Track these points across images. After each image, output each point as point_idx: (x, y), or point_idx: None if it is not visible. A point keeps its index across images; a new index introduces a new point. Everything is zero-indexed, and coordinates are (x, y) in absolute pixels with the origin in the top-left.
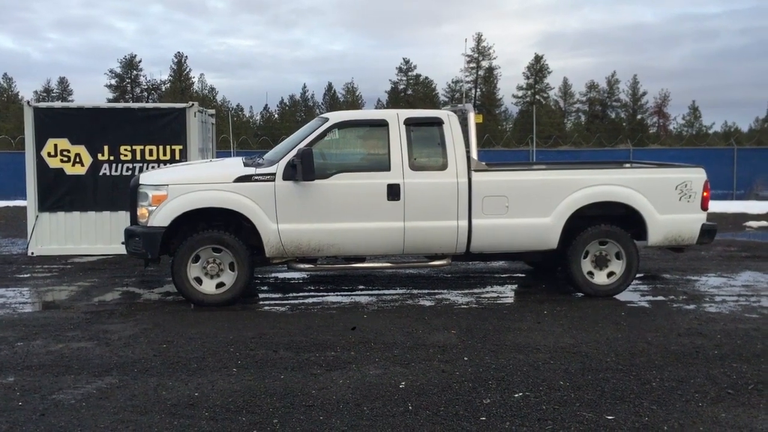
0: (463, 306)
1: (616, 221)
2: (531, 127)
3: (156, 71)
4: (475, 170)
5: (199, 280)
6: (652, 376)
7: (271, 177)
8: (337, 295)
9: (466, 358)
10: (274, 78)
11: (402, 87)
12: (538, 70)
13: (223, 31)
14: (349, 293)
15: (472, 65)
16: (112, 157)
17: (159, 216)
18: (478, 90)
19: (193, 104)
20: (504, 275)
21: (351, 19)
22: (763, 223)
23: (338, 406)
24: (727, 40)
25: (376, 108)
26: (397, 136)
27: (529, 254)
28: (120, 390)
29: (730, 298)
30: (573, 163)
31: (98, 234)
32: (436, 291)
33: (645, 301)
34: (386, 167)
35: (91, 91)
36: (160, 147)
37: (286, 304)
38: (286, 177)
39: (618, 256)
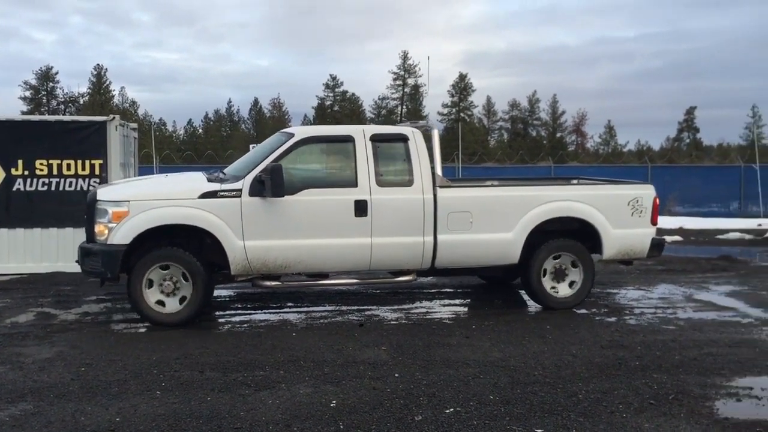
0: (392, 322)
1: (571, 235)
2: (456, 143)
3: (74, 83)
4: (440, 186)
5: (161, 303)
6: (578, 389)
7: (237, 193)
8: (265, 313)
9: (397, 375)
10: (200, 92)
11: (329, 103)
12: (462, 88)
13: (147, 44)
14: (277, 311)
15: (398, 82)
16: (26, 172)
17: (120, 233)
18: (404, 107)
19: (114, 117)
20: (432, 290)
21: (278, 35)
22: (676, 237)
23: (267, 428)
24: (641, 63)
25: (303, 124)
26: (364, 152)
27: (490, 269)
28: (35, 417)
29: (648, 311)
30: (527, 179)
31: (11, 252)
32: (365, 307)
33: (569, 315)
34: (353, 183)
35: (4, 104)
36: (79, 161)
37: (212, 322)
38: (252, 193)
39: (576, 270)
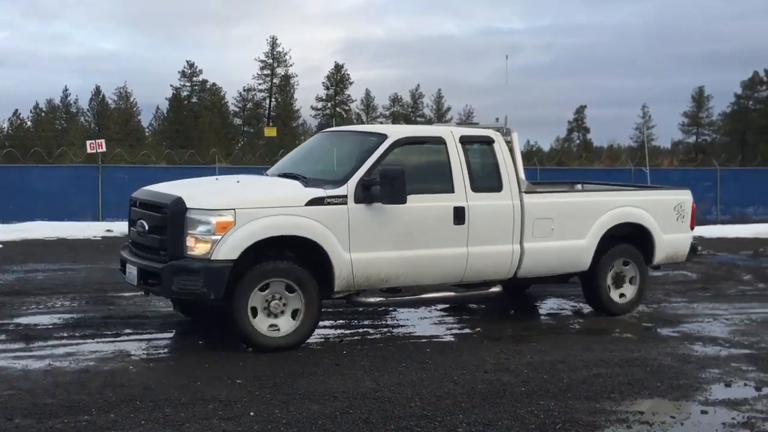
0: (251, 349)
1: (623, 241)
2: None
3: None
4: (526, 192)
5: (274, 327)
6: (459, 421)
7: (343, 199)
8: (97, 342)
9: (252, 413)
10: (29, 78)
11: (186, 93)
12: (338, 80)
13: None
14: (113, 339)
15: (266, 72)
16: None
17: (225, 247)
18: (273, 100)
19: None
20: None
21: (125, 14)
22: None
23: None
24: (530, 57)
25: (155, 116)
26: (456, 155)
27: (556, 278)
28: None
29: (535, 328)
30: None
31: None
32: (220, 332)
33: (451, 335)
34: (450, 189)
35: None
36: None
37: (29, 356)
38: (358, 199)
39: (632, 278)
